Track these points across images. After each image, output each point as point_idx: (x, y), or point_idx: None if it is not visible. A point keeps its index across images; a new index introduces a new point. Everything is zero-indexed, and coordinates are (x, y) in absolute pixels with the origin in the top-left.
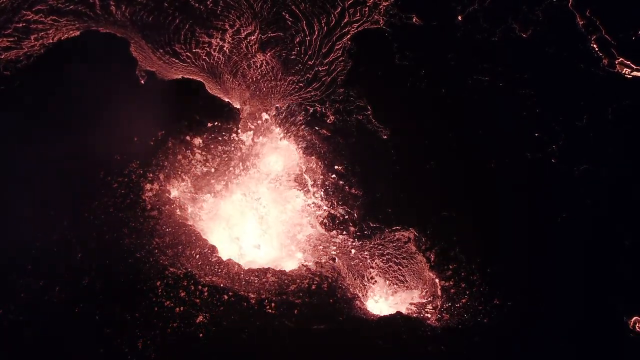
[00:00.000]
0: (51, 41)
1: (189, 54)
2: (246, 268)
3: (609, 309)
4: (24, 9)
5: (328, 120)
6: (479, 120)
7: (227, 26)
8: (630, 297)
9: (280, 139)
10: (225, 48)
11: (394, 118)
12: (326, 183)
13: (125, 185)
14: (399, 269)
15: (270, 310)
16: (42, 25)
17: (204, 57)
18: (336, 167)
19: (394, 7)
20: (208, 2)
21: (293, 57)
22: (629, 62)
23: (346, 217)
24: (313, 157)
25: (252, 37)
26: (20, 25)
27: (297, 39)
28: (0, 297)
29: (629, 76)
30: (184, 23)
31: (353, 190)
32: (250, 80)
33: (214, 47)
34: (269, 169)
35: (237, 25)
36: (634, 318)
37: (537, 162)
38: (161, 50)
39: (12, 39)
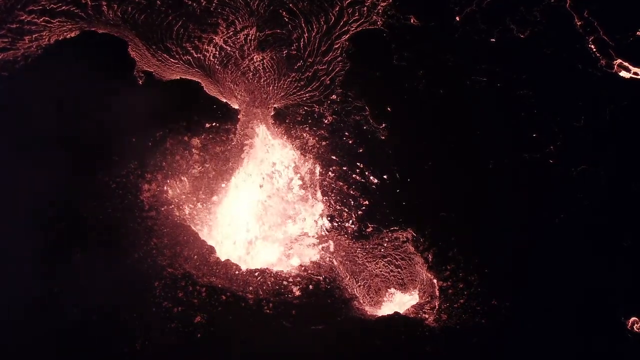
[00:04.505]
0: (47, 42)
1: (178, 49)
2: (244, 269)
3: (607, 310)
4: (17, 9)
5: (326, 121)
6: (477, 120)
7: (220, 21)
8: (629, 297)
9: (278, 140)
10: (216, 40)
11: (392, 119)
12: (324, 184)
13: (123, 185)
14: (398, 271)
15: (268, 311)
16: (35, 26)
17: (190, 49)
18: (334, 167)
19: (392, 8)
20: (202, 0)
21: (294, 52)
22: (627, 64)
23: (344, 217)
24: (311, 158)
25: (250, 32)
26: (14, 26)
27: (295, 35)
28: (0, 297)
29: (626, 77)
30: (177, 20)
31: (351, 191)
32: (247, 69)
33: (204, 41)
34: (267, 169)
35: (232, 19)
36: (633, 318)
37: (535, 162)
38: (154, 47)
39: (7, 40)
